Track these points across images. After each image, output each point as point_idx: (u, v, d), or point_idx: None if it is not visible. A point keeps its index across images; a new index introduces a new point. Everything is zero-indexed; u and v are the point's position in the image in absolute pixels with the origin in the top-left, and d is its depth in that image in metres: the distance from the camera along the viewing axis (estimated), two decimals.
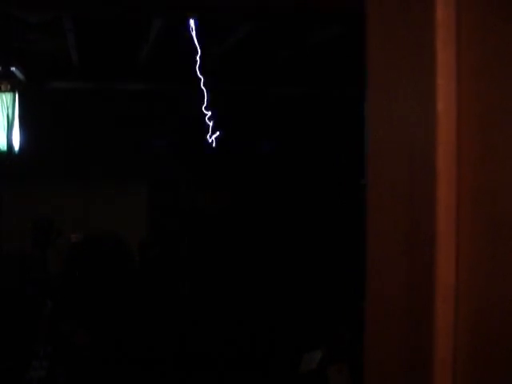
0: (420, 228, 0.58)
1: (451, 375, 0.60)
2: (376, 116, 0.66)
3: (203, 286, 4.96)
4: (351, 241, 4.76)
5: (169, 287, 4.99)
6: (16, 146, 4.76)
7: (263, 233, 5.17)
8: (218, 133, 4.90)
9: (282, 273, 4.91)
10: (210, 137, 4.94)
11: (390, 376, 0.67)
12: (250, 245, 5.09)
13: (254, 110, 5.45)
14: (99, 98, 5.32)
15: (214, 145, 4.97)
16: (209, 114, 4.84)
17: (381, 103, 0.65)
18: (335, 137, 5.28)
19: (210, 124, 4.89)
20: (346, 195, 4.79)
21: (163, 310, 4.76)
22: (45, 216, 5.12)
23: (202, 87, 5.05)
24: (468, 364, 0.58)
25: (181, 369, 4.04)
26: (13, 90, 4.62)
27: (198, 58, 4.85)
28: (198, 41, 4.41)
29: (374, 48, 0.72)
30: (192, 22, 3.94)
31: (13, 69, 4.52)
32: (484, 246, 0.58)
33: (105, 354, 3.91)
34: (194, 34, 4.16)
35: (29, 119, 4.95)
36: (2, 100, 4.60)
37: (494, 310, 0.57)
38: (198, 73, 5.14)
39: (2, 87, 4.58)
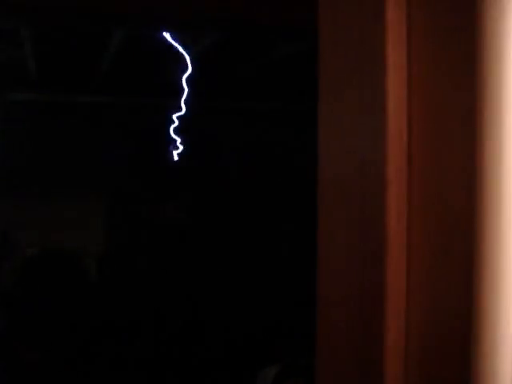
0: (370, 237, 0.57)
1: None
2: (326, 124, 0.65)
3: (163, 299, 4.91)
4: (308, 253, 4.79)
5: (127, 302, 4.92)
6: None
7: (224, 245, 5.15)
8: (178, 146, 4.88)
9: (241, 287, 4.89)
10: (171, 150, 4.92)
11: None
12: (211, 258, 5.06)
13: (217, 123, 5.44)
14: (57, 110, 5.25)
15: (175, 158, 4.94)
16: (172, 126, 4.82)
17: (331, 110, 0.64)
18: (298, 151, 5.31)
19: (173, 137, 4.86)
20: (309, 208, 4.80)
21: (119, 326, 4.69)
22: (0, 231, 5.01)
23: (164, 100, 5.02)
24: (418, 375, 0.57)
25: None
26: None
27: (160, 70, 4.83)
28: (160, 53, 4.40)
29: (326, 55, 0.71)
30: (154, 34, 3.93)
31: None
32: (435, 253, 0.57)
33: (54, 370, 3.82)
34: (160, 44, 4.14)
35: None
36: None
37: (445, 320, 0.56)
38: (160, 85, 5.13)
39: None
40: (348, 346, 0.65)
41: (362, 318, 0.60)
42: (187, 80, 4.82)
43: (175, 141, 5.07)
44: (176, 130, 5.10)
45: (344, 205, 0.62)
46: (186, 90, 4.68)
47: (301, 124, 5.31)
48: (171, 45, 4.13)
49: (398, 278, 0.57)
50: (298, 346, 3.10)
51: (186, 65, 4.49)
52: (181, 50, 3.93)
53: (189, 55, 4.18)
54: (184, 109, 4.84)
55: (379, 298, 0.59)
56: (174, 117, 4.88)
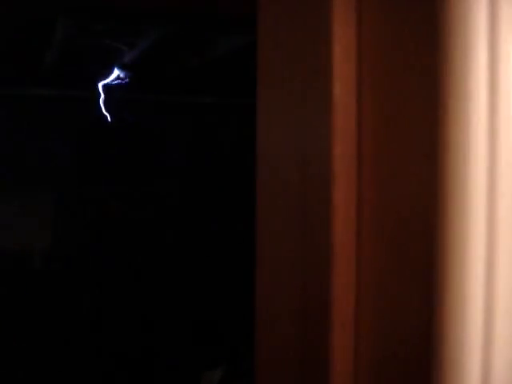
0: (313, 245, 0.51)
1: None
2: (264, 118, 0.58)
3: (109, 298, 4.81)
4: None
5: (73, 301, 4.81)
6: None
7: (168, 246, 5.07)
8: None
9: (184, 288, 4.83)
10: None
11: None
12: (158, 256, 4.97)
13: (163, 119, 5.35)
14: (1, 103, 5.07)
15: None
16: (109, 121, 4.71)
17: (269, 103, 0.58)
18: (242, 147, 5.26)
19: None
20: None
21: (64, 327, 4.58)
22: None
23: (103, 94, 4.90)
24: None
25: None
26: None
27: (107, 63, 4.71)
28: (107, 45, 4.28)
29: (266, 46, 0.64)
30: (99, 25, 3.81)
31: None
32: (389, 263, 0.50)
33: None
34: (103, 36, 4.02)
35: None
36: None
37: (400, 338, 0.50)
38: (105, 80, 5.00)
39: None
40: (289, 364, 0.58)
41: (305, 335, 0.53)
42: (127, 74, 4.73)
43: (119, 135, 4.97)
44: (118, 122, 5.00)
45: (284, 208, 0.55)
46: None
47: (242, 119, 5.28)
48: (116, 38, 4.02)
49: (345, 291, 0.50)
50: (241, 350, 3.05)
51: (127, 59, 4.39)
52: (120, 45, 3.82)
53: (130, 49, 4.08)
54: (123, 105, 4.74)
55: (324, 313, 0.52)
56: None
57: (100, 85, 4.95)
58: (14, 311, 4.62)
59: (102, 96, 5.03)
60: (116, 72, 4.68)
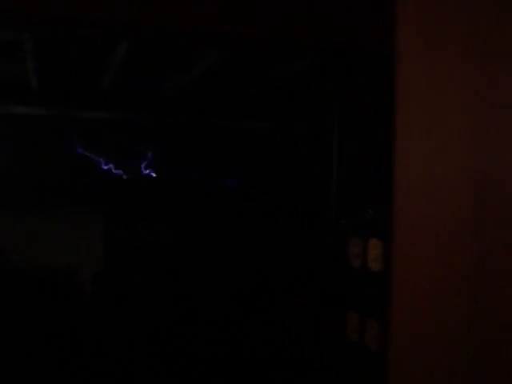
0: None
1: None
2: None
3: (162, 320, 4.85)
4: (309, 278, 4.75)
5: (125, 321, 4.85)
6: None
7: (226, 269, 5.08)
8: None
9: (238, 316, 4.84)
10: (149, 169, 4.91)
11: None
12: (211, 282, 4.99)
13: (217, 143, 5.41)
14: (56, 124, 5.22)
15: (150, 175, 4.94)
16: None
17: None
18: (301, 172, 5.27)
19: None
20: (312, 233, 4.76)
21: (116, 347, 4.62)
22: None
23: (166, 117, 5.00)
24: None
25: None
26: None
27: (162, 87, 4.82)
28: (163, 69, 4.39)
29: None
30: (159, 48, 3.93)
31: None
32: None
33: None
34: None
35: None
36: None
37: None
38: (162, 103, 5.11)
39: None
40: None
41: None
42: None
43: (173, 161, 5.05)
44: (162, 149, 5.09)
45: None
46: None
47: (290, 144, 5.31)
48: (172, 62, 4.13)
49: None
50: None
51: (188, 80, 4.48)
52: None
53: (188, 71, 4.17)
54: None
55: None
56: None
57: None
58: (64, 329, 4.68)
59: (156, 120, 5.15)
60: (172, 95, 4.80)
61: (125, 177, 5.20)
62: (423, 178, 0.80)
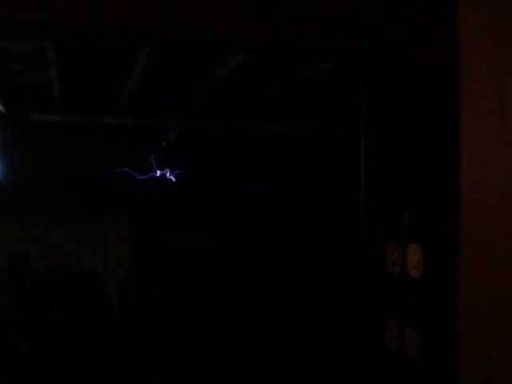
0: None
1: None
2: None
3: (185, 326, 4.81)
4: (341, 285, 4.69)
5: (149, 327, 4.83)
6: None
7: (249, 275, 5.03)
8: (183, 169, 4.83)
9: (267, 318, 4.78)
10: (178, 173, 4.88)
11: None
12: (235, 288, 4.95)
13: (240, 147, 5.37)
14: (81, 132, 5.21)
15: (174, 180, 4.91)
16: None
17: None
18: (325, 175, 5.22)
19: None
20: (340, 235, 4.70)
21: (142, 355, 4.60)
22: (21, 253, 4.95)
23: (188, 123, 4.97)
24: None
25: None
26: None
27: (185, 93, 4.80)
28: (185, 74, 4.36)
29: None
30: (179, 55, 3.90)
31: None
32: None
33: None
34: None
35: (7, 153, 4.81)
36: None
37: None
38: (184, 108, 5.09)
39: None
40: None
41: None
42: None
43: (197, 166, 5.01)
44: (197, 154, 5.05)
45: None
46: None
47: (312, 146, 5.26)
48: (193, 68, 4.10)
49: None
50: None
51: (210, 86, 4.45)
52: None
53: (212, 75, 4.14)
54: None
55: None
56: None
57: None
58: (92, 331, 4.67)
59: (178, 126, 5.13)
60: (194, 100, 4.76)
61: (148, 182, 5.18)
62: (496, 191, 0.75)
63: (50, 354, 4.36)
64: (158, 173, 5.12)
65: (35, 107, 4.96)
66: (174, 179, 5.08)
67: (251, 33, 2.62)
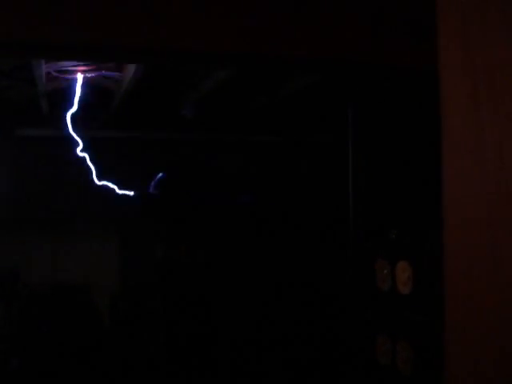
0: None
1: None
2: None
3: (176, 339, 4.81)
4: (332, 301, 4.70)
5: (140, 342, 4.82)
6: None
7: (240, 288, 5.03)
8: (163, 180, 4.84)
9: (257, 331, 4.78)
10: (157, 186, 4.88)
11: None
12: (228, 302, 4.94)
13: (230, 159, 5.37)
14: (69, 146, 5.19)
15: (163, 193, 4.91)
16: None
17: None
18: (315, 186, 5.23)
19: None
20: (332, 246, 4.71)
21: (133, 368, 4.59)
22: (9, 268, 4.92)
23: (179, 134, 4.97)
24: None
25: None
26: None
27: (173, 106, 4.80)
28: (172, 88, 4.37)
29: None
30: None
31: None
32: None
33: None
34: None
35: None
36: None
37: None
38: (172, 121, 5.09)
39: None
40: None
41: None
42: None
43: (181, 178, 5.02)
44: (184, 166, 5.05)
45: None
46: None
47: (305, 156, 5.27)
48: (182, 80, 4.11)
49: None
50: None
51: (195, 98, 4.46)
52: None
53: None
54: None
55: None
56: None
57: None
58: (81, 345, 4.65)
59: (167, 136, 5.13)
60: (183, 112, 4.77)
61: (137, 195, 5.17)
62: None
63: (41, 369, 4.34)
64: (147, 185, 5.11)
65: (22, 122, 4.95)
66: (163, 191, 5.07)
67: (232, 46, 2.63)
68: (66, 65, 3.71)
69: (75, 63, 3.68)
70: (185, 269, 4.98)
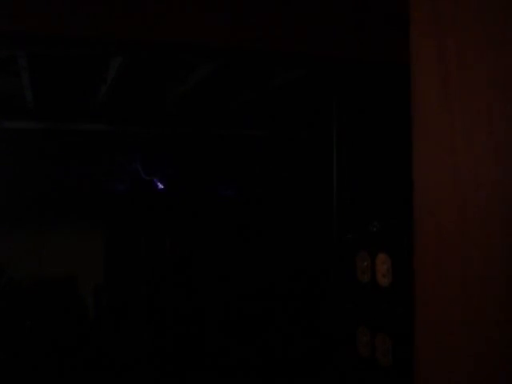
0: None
1: None
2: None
3: (160, 332, 4.81)
4: (317, 289, 4.72)
5: (123, 335, 4.82)
6: None
7: (224, 281, 5.04)
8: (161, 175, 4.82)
9: (241, 324, 4.80)
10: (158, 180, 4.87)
11: None
12: (210, 294, 4.96)
13: (214, 153, 5.38)
14: (54, 138, 5.18)
15: (161, 187, 4.90)
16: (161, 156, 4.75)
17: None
18: (299, 180, 5.24)
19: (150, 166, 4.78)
20: (314, 242, 4.73)
21: (117, 361, 4.59)
22: None
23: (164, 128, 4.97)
24: None
25: None
26: None
27: (158, 99, 4.79)
28: (158, 80, 4.36)
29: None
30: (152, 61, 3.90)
31: None
32: None
33: None
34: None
35: None
36: None
37: None
38: (158, 114, 5.08)
39: None
40: None
41: None
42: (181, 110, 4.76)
43: (170, 171, 5.01)
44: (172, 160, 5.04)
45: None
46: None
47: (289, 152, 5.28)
48: (167, 73, 4.10)
49: None
50: None
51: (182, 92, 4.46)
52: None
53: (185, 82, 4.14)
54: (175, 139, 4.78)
55: None
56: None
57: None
58: (65, 338, 4.65)
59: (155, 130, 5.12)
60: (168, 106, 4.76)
61: (123, 189, 5.16)
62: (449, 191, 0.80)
63: (25, 363, 4.33)
64: (132, 179, 5.10)
65: (7, 114, 4.92)
66: (148, 185, 5.07)
67: (219, 41, 2.64)
68: None
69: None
70: (170, 262, 4.99)
